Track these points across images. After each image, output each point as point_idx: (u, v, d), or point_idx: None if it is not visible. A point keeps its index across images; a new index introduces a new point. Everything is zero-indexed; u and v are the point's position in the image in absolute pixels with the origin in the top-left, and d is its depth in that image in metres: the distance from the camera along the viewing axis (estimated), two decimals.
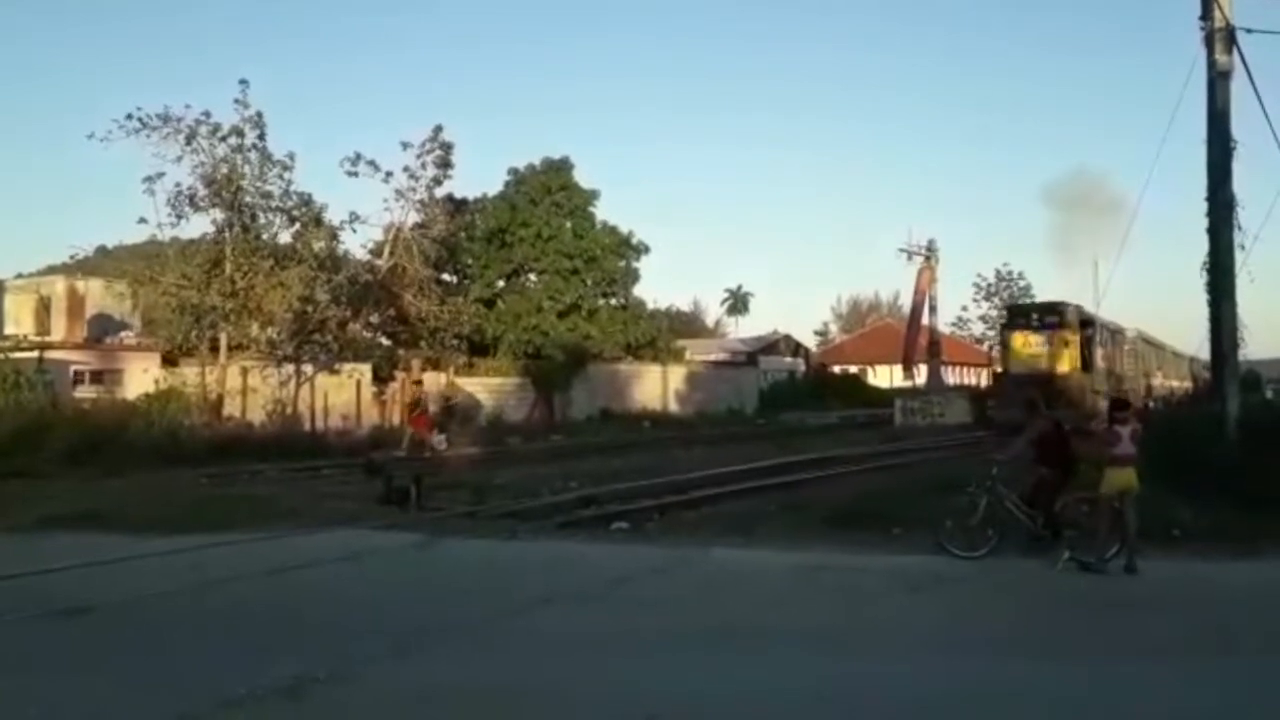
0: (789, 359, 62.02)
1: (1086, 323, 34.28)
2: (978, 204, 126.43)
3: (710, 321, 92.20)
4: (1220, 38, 14.18)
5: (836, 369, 64.95)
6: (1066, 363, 32.53)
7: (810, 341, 79.68)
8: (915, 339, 44.34)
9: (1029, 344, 33.68)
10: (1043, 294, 55.43)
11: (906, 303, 50.49)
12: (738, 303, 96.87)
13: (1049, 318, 34.02)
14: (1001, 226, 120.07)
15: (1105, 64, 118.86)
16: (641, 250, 43.11)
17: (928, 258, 43.36)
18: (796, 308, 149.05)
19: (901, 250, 43.66)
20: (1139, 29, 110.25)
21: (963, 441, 27.75)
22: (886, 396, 46.31)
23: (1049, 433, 10.55)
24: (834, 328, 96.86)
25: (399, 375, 32.03)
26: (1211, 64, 14.29)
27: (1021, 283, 76.11)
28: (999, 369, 35.77)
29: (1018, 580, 9.62)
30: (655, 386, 42.64)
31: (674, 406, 42.45)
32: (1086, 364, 33.27)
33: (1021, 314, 36.42)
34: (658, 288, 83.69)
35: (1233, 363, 14.62)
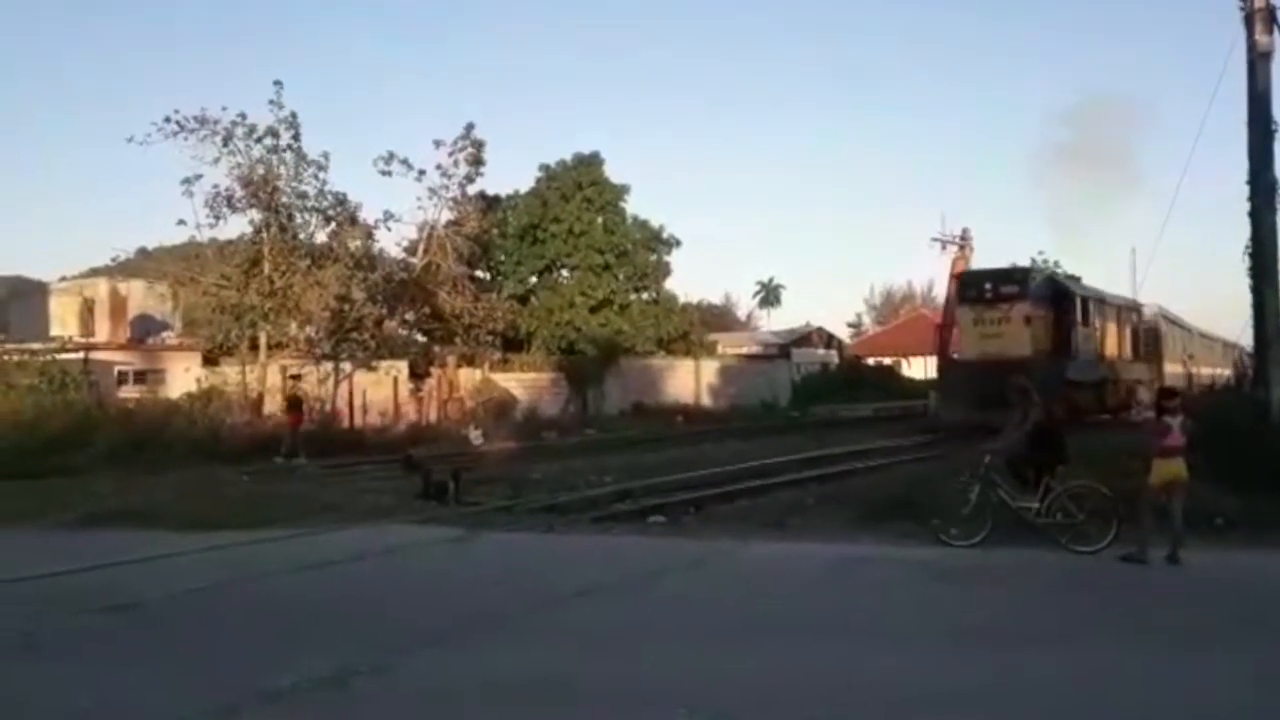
0: (822, 351, 61.77)
1: (1062, 294, 28.19)
2: (1012, 191, 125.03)
3: (742, 314, 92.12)
4: (1261, 18, 13.96)
5: (870, 360, 64.52)
6: (1030, 345, 25.88)
7: (843, 333, 79.36)
8: (950, 329, 43.81)
9: (983, 322, 26.88)
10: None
11: (940, 293, 49.97)
12: (769, 295, 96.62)
13: (1006, 287, 26.83)
14: (1036, 214, 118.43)
15: (1143, 44, 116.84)
16: (672, 244, 43.16)
17: (961, 247, 42.85)
18: (829, 299, 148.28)
19: (935, 239, 43.17)
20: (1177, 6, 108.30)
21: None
22: (921, 388, 45.90)
23: (1042, 422, 10.44)
24: (867, 319, 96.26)
25: (435, 372, 32.31)
26: (1252, 45, 14.07)
27: (1059, 271, 75.16)
28: (948, 354, 29.27)
29: (1058, 571, 9.53)
30: (688, 380, 42.65)
31: (707, 400, 42.43)
32: (1062, 346, 27.03)
33: (973, 284, 28.18)
34: (689, 281, 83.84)
35: (1276, 349, 14.38)
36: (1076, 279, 31.48)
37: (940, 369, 30.95)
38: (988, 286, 27.32)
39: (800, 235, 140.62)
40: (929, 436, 25.28)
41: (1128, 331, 32.65)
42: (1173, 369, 38.12)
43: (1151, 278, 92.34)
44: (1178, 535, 9.46)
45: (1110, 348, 30.61)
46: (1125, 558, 9.46)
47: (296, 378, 24.39)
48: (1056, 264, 47.63)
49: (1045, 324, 26.83)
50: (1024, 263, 38.97)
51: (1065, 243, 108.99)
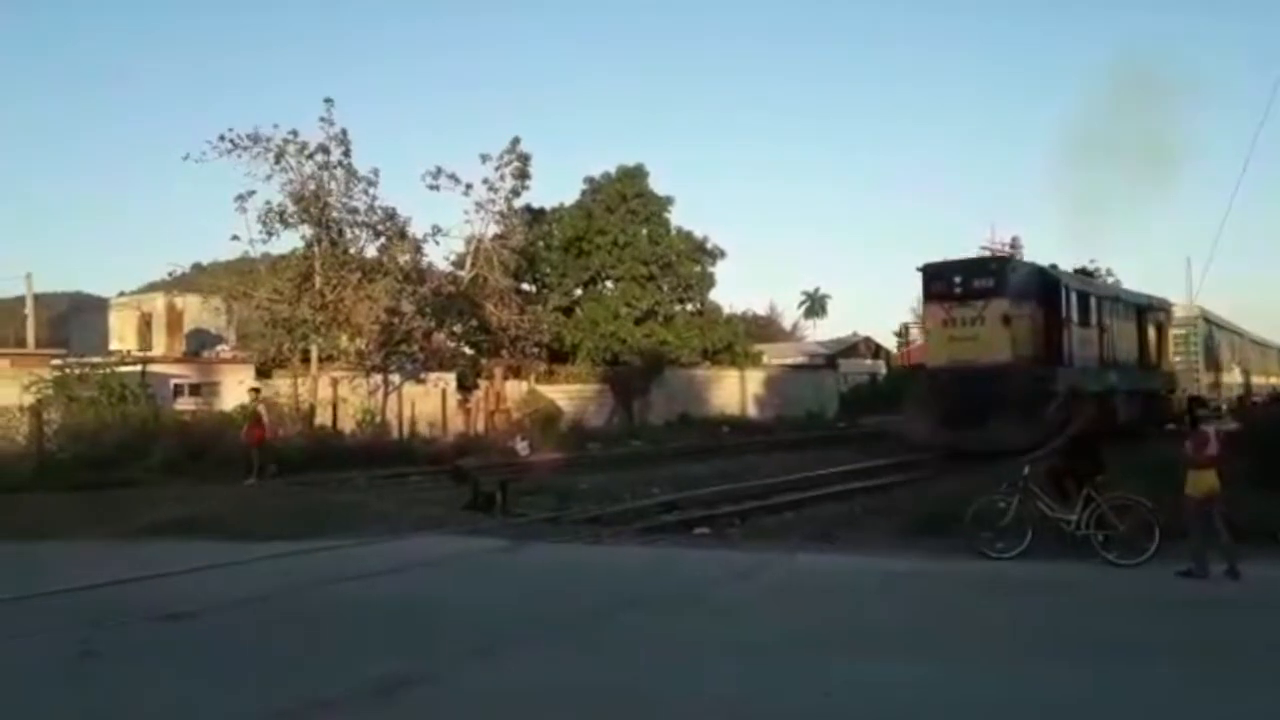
0: (869, 361, 61.25)
1: (1050, 288, 24.00)
2: (1064, 200, 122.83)
3: (787, 325, 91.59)
4: None
5: None
6: (1009, 349, 22.12)
7: (890, 343, 78.48)
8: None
9: (953, 322, 23.00)
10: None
11: None
12: (815, 305, 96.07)
13: (980, 280, 22.83)
14: (1086, 223, 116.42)
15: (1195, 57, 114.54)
16: (717, 255, 43.08)
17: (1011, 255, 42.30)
18: (876, 309, 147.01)
19: (983, 248, 42.54)
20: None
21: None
22: None
23: (1078, 433, 10.29)
24: (915, 329, 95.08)
25: (482, 383, 32.59)
26: None
27: (1110, 279, 73.79)
28: (914, 361, 25.48)
29: (1103, 585, 9.34)
30: (733, 391, 42.51)
31: (752, 411, 42.23)
32: (1051, 350, 23.30)
33: (939, 277, 23.69)
34: (734, 292, 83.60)
35: None
36: (1089, 274, 27.59)
37: (905, 379, 27.76)
38: (957, 279, 23.17)
39: (846, 245, 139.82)
40: (896, 458, 22.20)
41: (1151, 335, 29.24)
42: (1228, 378, 35.49)
43: (1209, 286, 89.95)
44: (1230, 548, 9.25)
45: (1123, 353, 27.06)
46: (1184, 573, 9.22)
47: (256, 390, 22.47)
48: (1109, 271, 46.50)
49: (1029, 324, 23.01)
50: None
51: (1116, 248, 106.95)
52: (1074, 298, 24.61)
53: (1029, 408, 20.15)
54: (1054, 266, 25.32)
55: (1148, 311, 29.27)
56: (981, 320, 22.49)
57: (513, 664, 6.96)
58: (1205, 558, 9.21)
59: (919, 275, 24.26)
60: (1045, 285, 23.98)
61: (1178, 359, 31.45)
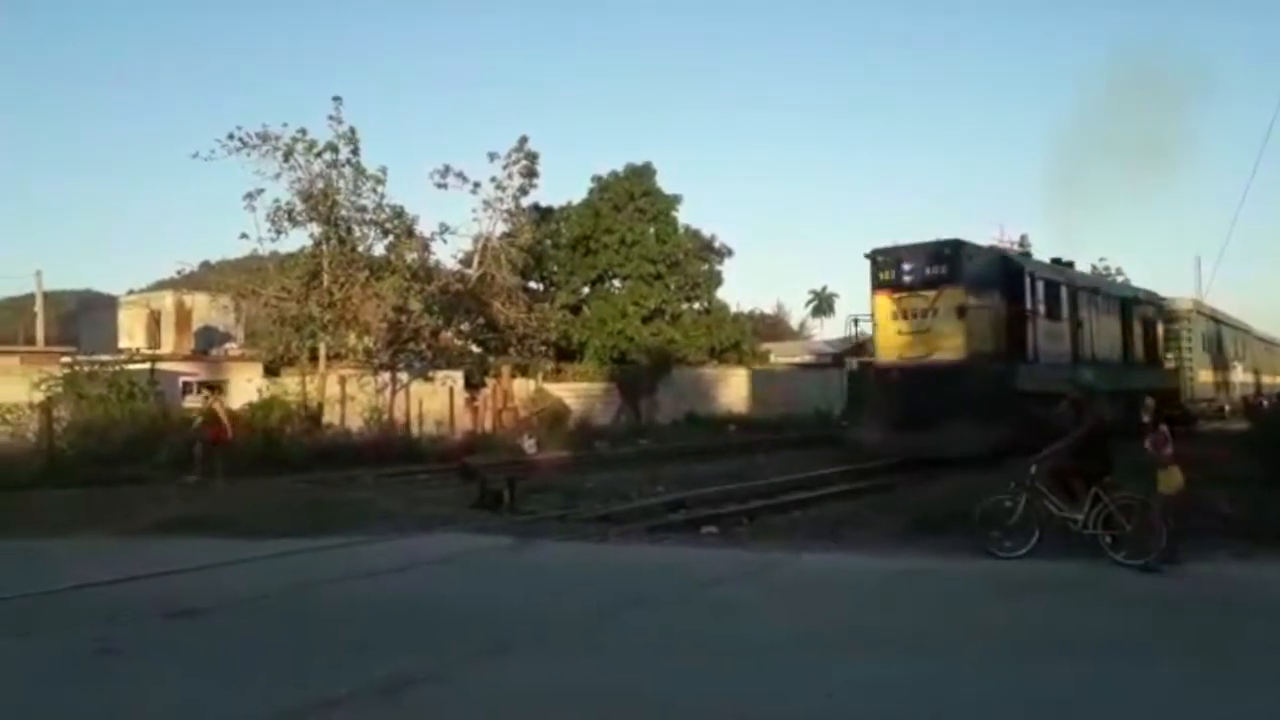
0: None
1: (1012, 275, 21.88)
2: (1062, 200, 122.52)
3: (795, 324, 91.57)
4: None
5: None
6: (964, 345, 20.13)
7: None
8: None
9: (903, 314, 21.06)
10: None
11: None
12: (822, 304, 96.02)
13: (933, 268, 20.76)
14: (1089, 223, 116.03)
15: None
16: (724, 254, 43.13)
17: None
18: None
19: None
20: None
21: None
22: None
23: (1087, 433, 10.29)
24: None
25: (489, 381, 32.65)
26: None
27: (1120, 278, 73.56)
28: (862, 359, 23.78)
29: (1115, 584, 9.32)
30: (740, 390, 42.48)
31: (759, 410, 42.18)
32: (1013, 346, 21.33)
33: (888, 265, 21.62)
34: (741, 291, 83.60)
35: None
36: (1069, 264, 25.56)
37: (852, 377, 25.97)
38: (907, 267, 21.15)
39: (853, 244, 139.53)
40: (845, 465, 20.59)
41: (1138, 330, 27.43)
42: (1232, 376, 34.29)
43: (1221, 288, 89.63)
44: (1161, 535, 9.46)
45: (1103, 349, 25.21)
46: (1158, 562, 9.34)
47: (214, 388, 21.47)
48: (1119, 270, 45.77)
49: (988, 316, 21.00)
50: (1084, 270, 31.26)
51: (1123, 248, 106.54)
52: (1041, 287, 22.56)
53: (986, 409, 18.73)
54: (1026, 255, 23.79)
55: (1134, 305, 27.49)
56: (934, 312, 20.60)
57: (519, 663, 6.98)
58: (1176, 548, 9.40)
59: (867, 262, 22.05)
60: (1007, 273, 21.98)
61: (1170, 356, 29.84)
